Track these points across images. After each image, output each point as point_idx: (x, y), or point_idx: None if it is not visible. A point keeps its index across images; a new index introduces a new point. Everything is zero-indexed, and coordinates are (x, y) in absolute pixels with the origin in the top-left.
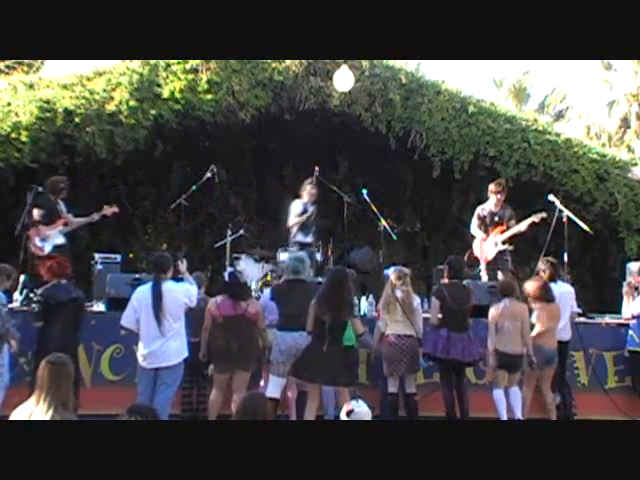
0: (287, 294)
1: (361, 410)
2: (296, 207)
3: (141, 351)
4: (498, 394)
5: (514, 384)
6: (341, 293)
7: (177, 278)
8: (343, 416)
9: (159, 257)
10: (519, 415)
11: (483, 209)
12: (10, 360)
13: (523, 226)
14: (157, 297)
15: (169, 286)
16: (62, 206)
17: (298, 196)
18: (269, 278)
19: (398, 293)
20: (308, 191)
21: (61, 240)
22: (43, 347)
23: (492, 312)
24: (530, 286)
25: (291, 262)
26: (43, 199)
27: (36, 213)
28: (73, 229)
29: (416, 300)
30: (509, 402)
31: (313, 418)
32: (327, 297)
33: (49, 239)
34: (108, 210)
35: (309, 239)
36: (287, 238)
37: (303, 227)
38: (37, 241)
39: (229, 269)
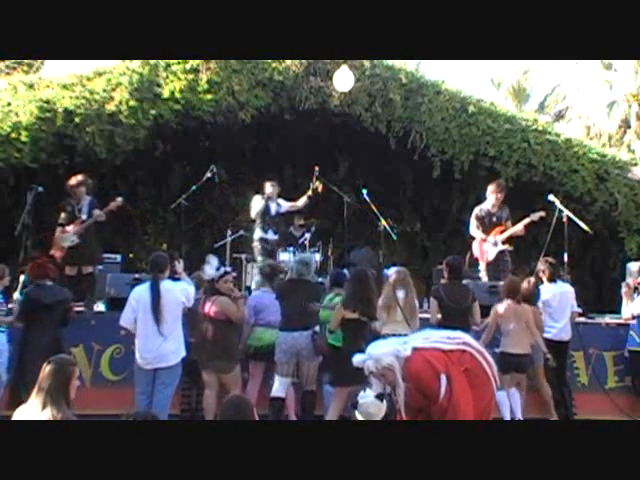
0: (289, 293)
1: (366, 400)
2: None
3: (139, 351)
4: (501, 396)
5: (513, 385)
6: (368, 292)
7: (174, 278)
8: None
9: (157, 257)
10: (519, 416)
11: (481, 209)
12: (9, 360)
13: (522, 226)
14: (156, 297)
15: (167, 285)
16: (84, 205)
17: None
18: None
19: (400, 294)
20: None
21: (73, 241)
22: (26, 349)
23: (496, 311)
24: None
25: (295, 265)
26: (65, 202)
27: (60, 217)
28: (96, 226)
29: (416, 300)
30: (509, 403)
31: (337, 418)
32: (358, 297)
33: (63, 241)
34: (113, 205)
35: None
36: (287, 238)
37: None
38: (57, 244)
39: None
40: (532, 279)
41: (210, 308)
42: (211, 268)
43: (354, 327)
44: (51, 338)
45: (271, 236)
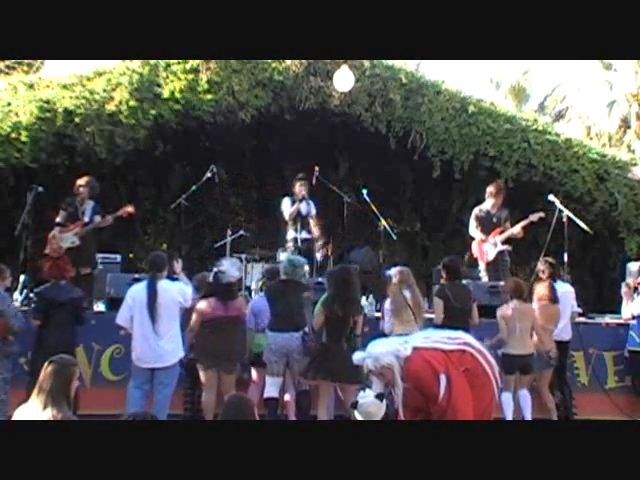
0: (279, 294)
1: (366, 400)
2: None
3: (135, 350)
4: (506, 397)
5: (524, 386)
6: (350, 290)
7: (172, 278)
8: (355, 411)
9: (155, 256)
10: (528, 418)
11: (481, 210)
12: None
13: (519, 227)
14: (152, 296)
15: (164, 285)
16: (87, 208)
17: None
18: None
19: (407, 294)
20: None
21: (74, 242)
22: (41, 347)
23: (503, 312)
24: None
25: (284, 264)
26: (67, 201)
27: (59, 215)
28: (96, 229)
29: (420, 297)
30: (518, 405)
31: (326, 417)
32: (338, 296)
33: (63, 241)
34: (123, 211)
35: None
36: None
37: None
38: (54, 243)
39: (214, 270)
40: (549, 281)
41: (239, 310)
42: (235, 269)
43: (337, 325)
44: (65, 337)
45: (305, 235)
